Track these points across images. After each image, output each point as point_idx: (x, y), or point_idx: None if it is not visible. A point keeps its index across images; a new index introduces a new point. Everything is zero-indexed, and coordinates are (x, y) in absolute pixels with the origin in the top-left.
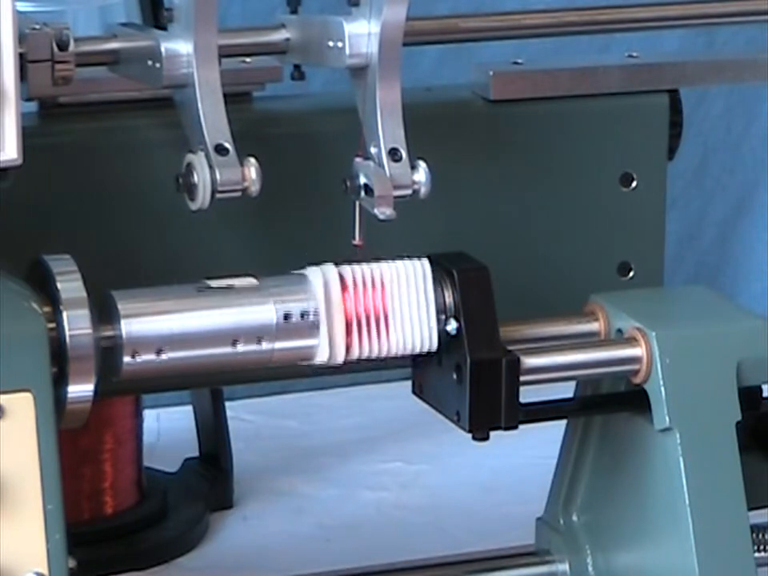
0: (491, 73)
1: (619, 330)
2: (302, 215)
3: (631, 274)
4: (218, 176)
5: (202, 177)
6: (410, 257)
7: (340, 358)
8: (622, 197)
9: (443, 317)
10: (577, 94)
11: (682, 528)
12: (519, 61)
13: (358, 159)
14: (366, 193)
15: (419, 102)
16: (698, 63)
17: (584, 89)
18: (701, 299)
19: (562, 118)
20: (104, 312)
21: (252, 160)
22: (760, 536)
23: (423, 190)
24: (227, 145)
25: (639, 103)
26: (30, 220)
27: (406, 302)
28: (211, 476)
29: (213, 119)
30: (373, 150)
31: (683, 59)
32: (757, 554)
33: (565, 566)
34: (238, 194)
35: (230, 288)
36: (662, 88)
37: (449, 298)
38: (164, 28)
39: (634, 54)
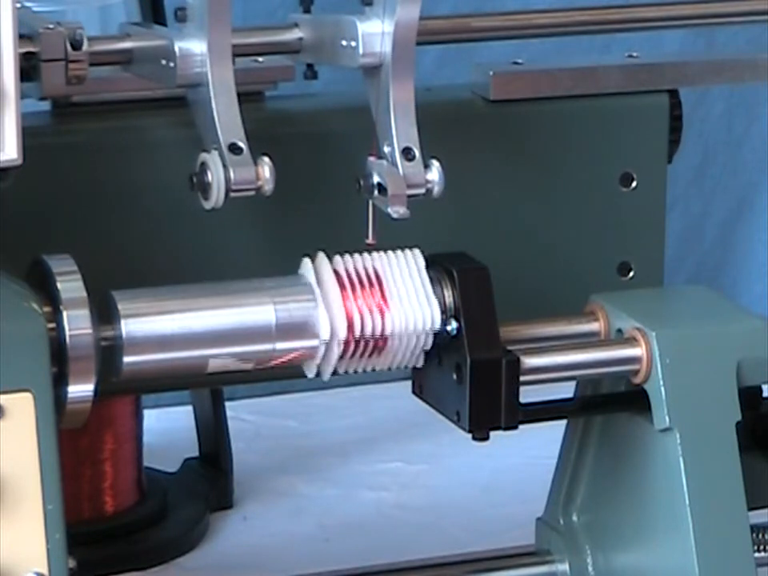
0: (491, 73)
1: (619, 330)
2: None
3: (631, 274)
4: (232, 175)
5: (216, 176)
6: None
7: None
8: (621, 197)
9: (443, 317)
10: (577, 94)
11: (682, 528)
12: (519, 61)
13: (371, 158)
14: (379, 192)
15: (419, 102)
16: (698, 63)
17: (584, 89)
18: (701, 299)
19: (562, 117)
20: (104, 312)
21: (266, 159)
22: (760, 536)
23: (436, 189)
24: (241, 144)
25: (639, 103)
26: (37, 219)
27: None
28: (211, 476)
29: (227, 118)
30: (386, 149)
31: (683, 59)
32: (757, 554)
33: (565, 566)
34: (252, 192)
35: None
36: (662, 88)
37: (449, 298)
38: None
39: (634, 54)
